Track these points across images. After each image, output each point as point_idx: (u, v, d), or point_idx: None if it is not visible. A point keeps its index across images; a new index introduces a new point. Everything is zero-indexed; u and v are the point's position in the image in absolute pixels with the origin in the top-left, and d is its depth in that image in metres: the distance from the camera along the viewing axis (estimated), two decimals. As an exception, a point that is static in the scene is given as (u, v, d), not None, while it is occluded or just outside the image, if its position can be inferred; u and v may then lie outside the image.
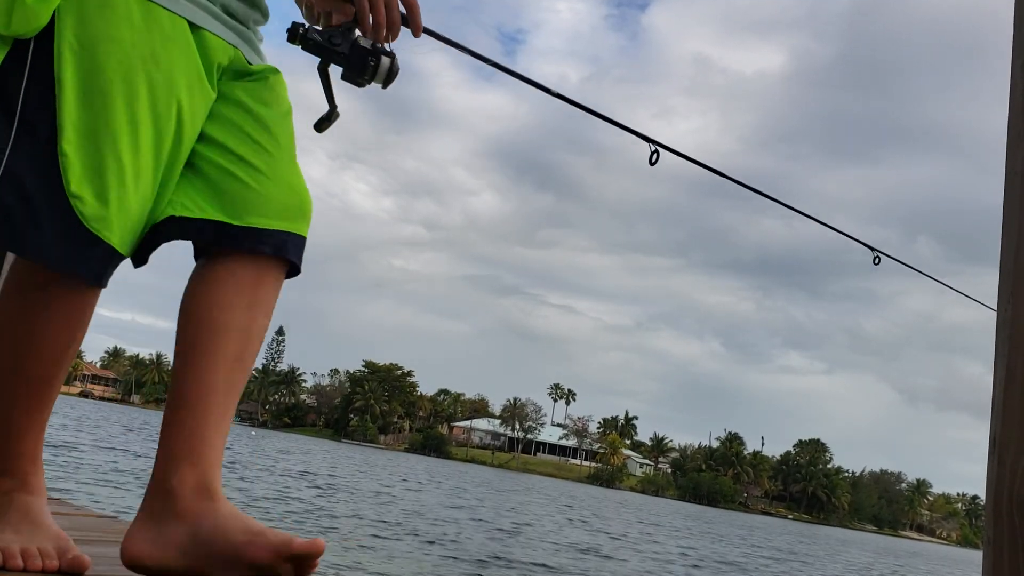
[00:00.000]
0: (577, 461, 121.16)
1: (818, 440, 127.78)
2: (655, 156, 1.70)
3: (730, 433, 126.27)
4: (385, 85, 1.43)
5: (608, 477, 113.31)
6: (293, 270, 1.43)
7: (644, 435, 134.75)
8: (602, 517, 32.98)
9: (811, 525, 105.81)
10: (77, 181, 1.21)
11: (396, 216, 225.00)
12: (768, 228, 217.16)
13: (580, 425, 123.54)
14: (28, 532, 1.35)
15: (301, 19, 1.46)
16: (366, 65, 1.40)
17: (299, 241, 1.40)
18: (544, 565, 13.24)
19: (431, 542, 13.91)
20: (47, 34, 1.21)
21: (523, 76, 1.68)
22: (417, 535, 14.88)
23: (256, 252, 1.35)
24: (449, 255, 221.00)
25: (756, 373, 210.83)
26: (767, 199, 1.96)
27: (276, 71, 1.47)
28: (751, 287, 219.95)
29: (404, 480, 36.26)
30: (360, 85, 1.42)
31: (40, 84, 1.21)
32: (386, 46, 1.43)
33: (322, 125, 1.43)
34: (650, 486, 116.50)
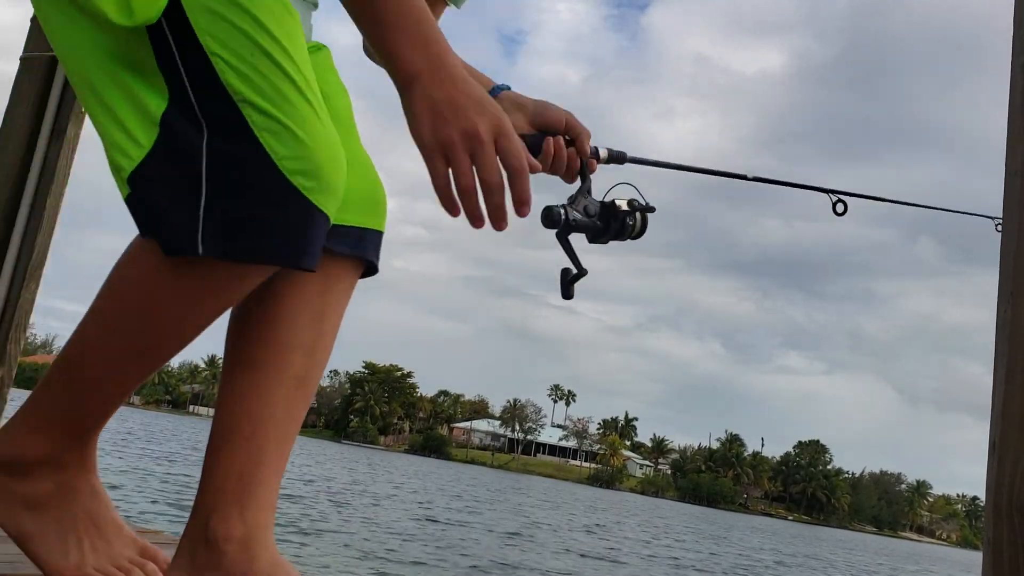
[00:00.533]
0: (577, 462, 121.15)
1: (818, 441, 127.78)
2: (840, 205, 1.63)
3: (730, 434, 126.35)
4: (638, 237, 1.38)
5: (608, 478, 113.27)
6: (370, 269, 1.28)
7: (644, 436, 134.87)
8: (609, 520, 32.95)
9: (812, 526, 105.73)
10: (291, 157, 1.01)
11: (397, 217, 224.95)
12: (768, 228, 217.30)
13: (580, 426, 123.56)
14: (105, 541, 1.20)
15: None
16: (625, 227, 1.35)
17: (377, 238, 1.26)
18: (558, 572, 13.17)
19: (441, 547, 13.86)
20: (177, 13, 1.01)
21: (716, 171, 1.66)
22: (418, 538, 14.86)
23: (330, 253, 1.19)
24: (449, 256, 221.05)
25: (756, 374, 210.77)
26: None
27: (325, 47, 1.32)
28: (751, 288, 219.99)
29: (406, 481, 36.24)
30: (606, 243, 1.37)
31: (200, 70, 1.02)
32: (640, 198, 1.38)
33: (570, 290, 1.32)
34: (650, 487, 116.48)
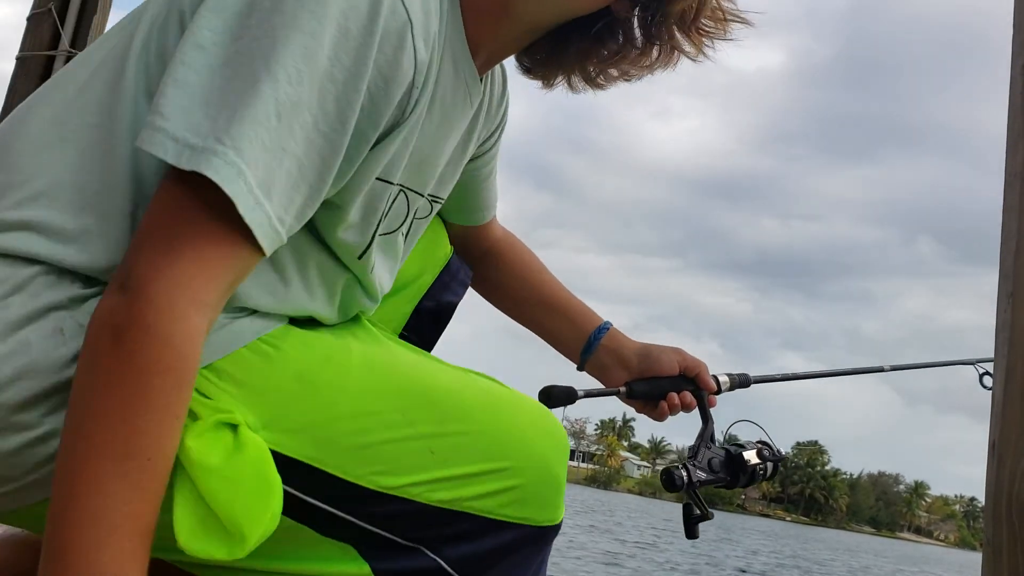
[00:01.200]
0: (574, 463, 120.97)
1: (816, 442, 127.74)
2: (987, 377, 1.47)
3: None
4: (769, 480, 1.34)
5: (606, 479, 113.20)
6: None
7: (642, 437, 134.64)
8: (615, 522, 32.93)
9: (810, 527, 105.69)
10: (529, 509, 0.95)
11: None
12: (766, 228, 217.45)
13: (577, 427, 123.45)
14: None
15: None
16: (755, 476, 1.30)
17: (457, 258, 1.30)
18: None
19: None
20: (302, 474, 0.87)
21: (852, 370, 1.62)
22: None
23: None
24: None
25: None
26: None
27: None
28: (749, 288, 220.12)
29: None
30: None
31: (379, 510, 0.91)
32: (773, 445, 1.31)
33: (695, 530, 1.27)
34: (648, 488, 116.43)
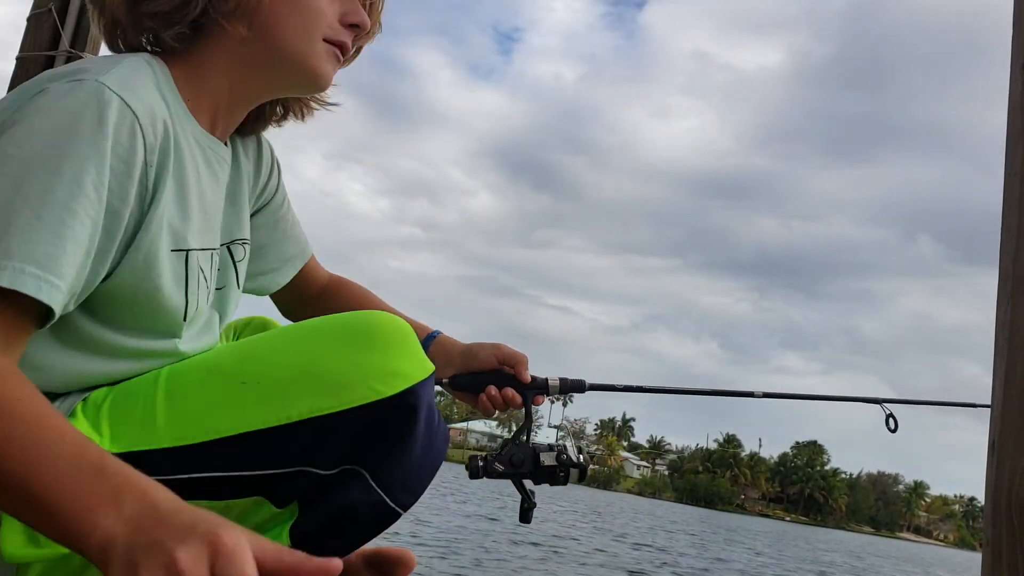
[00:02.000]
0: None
1: (815, 442, 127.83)
2: (891, 420, 1.57)
3: (727, 435, 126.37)
4: (576, 483, 1.45)
5: (605, 479, 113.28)
6: None
7: (641, 437, 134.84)
8: (624, 524, 32.93)
9: (810, 527, 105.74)
10: None
11: (392, 217, 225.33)
12: (765, 228, 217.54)
13: (577, 426, 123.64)
14: None
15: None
16: (556, 477, 1.41)
17: None
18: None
19: (478, 562, 13.69)
20: None
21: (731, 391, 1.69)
22: (427, 548, 14.82)
23: None
24: (445, 256, 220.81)
25: (753, 374, 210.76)
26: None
27: (257, 319, 1.56)
28: (748, 288, 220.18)
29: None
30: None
31: None
32: (572, 453, 1.44)
33: (528, 516, 1.45)
34: (647, 488, 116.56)
